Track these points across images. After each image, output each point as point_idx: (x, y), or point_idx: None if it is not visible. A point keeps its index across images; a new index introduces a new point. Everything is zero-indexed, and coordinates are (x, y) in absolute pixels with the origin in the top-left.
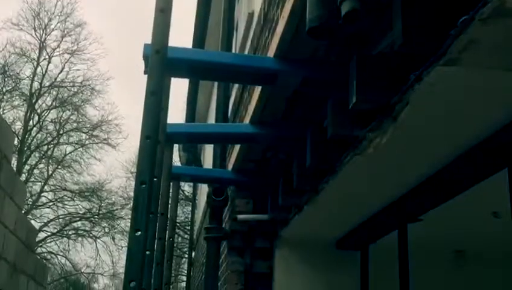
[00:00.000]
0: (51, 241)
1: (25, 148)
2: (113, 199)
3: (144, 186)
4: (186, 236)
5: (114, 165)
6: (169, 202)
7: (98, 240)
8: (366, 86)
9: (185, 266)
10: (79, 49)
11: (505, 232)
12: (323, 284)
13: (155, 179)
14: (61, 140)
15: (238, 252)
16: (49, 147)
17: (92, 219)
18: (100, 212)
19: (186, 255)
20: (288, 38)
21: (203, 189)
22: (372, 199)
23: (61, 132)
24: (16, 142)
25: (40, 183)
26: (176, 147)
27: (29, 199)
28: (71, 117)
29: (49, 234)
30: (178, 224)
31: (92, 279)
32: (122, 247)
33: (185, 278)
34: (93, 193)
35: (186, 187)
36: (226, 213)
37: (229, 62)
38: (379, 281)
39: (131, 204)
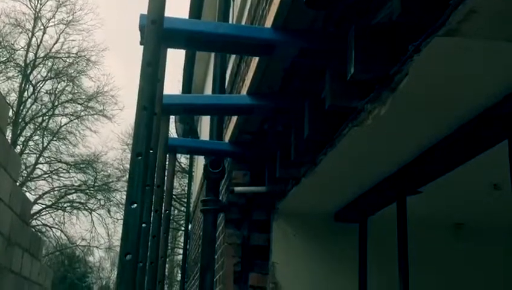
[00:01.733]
0: (46, 214)
1: (20, 120)
2: (109, 171)
3: (139, 158)
4: (182, 209)
5: (110, 137)
6: (166, 174)
7: (94, 213)
8: (365, 56)
9: (182, 239)
10: (74, 20)
11: (505, 205)
12: (321, 257)
13: (151, 151)
14: (56, 111)
15: (235, 224)
16: (44, 118)
17: (88, 191)
18: (96, 184)
19: (183, 228)
20: (286, 8)
21: (200, 161)
22: (371, 171)
23: (56, 104)
24: (10, 113)
25: (35, 155)
26: (172, 118)
27: (24, 171)
28: (66, 88)
29: (44, 206)
30: (174, 196)
31: (87, 252)
32: (117, 220)
33: (181, 251)
34: (88, 165)
35: (183, 159)
36: (223, 185)
37: (226, 33)
38: (378, 253)
39: (127, 176)
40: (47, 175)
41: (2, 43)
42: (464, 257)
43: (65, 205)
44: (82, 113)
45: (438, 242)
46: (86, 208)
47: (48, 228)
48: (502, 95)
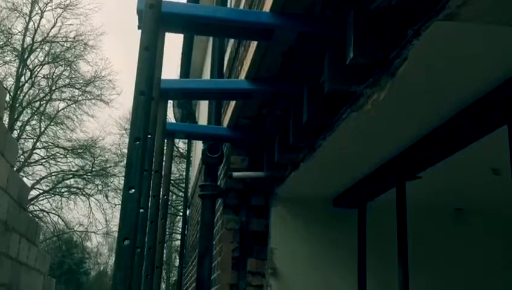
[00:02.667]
0: (43, 199)
1: (17, 105)
2: (107, 156)
3: (137, 143)
4: (180, 194)
5: (107, 122)
6: (164, 159)
7: (91, 198)
8: (364, 41)
9: (180, 224)
10: (72, 4)
11: (504, 190)
12: (320, 242)
13: (149, 136)
14: (53, 96)
15: (233, 210)
16: (42, 103)
17: (85, 176)
18: (93, 169)
19: (181, 213)
20: None
21: (198, 146)
22: (370, 156)
23: (53, 88)
24: (7, 98)
25: (32, 140)
26: (170, 103)
27: (21, 156)
28: (64, 73)
29: (41, 191)
30: (172, 181)
31: (84, 237)
32: (115, 205)
33: (179, 237)
34: (86, 150)
35: (181, 144)
36: (221, 170)
37: (224, 17)
38: (377, 239)
39: (125, 161)
40: (44, 160)
41: None
42: (463, 241)
43: (62, 190)
44: (79, 98)
45: (437, 227)
46: (84, 193)
47: (45, 213)
48: (502, 80)
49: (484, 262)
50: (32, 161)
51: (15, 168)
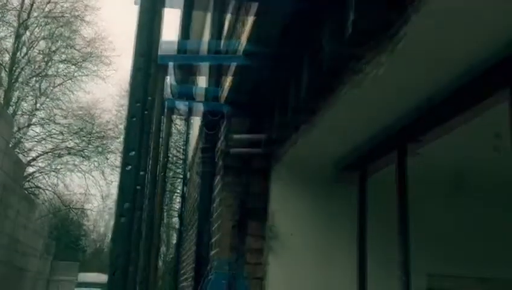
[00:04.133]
0: (39, 176)
1: (13, 81)
2: (103, 133)
3: (134, 119)
4: (178, 170)
5: (104, 98)
6: (161, 135)
7: (88, 175)
8: (365, 4)
9: (177, 200)
10: None
11: (505, 161)
12: (321, 205)
13: (146, 112)
14: (49, 72)
15: (234, 172)
16: (38, 79)
17: (82, 153)
18: (90, 146)
19: (178, 190)
20: None
21: (196, 122)
22: (370, 121)
23: (49, 64)
24: (3, 74)
25: (28, 116)
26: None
27: (17, 133)
28: (60, 49)
29: (37, 168)
30: (170, 158)
31: (81, 215)
32: (112, 182)
33: (176, 214)
34: (82, 126)
35: (179, 121)
36: (222, 132)
37: None
38: (377, 203)
39: (122, 138)
40: (40, 137)
41: None
42: (464, 213)
43: (59, 167)
44: (76, 74)
45: (438, 199)
46: (80, 170)
47: (41, 190)
48: (503, 46)
49: (484, 232)
50: (28, 137)
51: (10, 145)
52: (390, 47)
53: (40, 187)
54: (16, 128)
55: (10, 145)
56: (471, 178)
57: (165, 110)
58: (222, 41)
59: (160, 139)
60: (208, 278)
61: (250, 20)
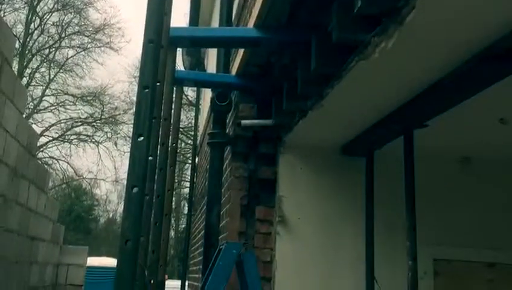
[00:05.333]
0: (52, 146)
1: (26, 52)
2: (116, 104)
3: (146, 90)
4: (189, 141)
5: (116, 70)
6: (173, 107)
7: (100, 145)
8: None
9: (188, 172)
10: None
11: (511, 138)
12: (328, 190)
13: (158, 84)
14: (63, 43)
15: (242, 157)
16: (51, 50)
17: (94, 123)
18: (102, 117)
19: (190, 161)
20: None
21: (207, 94)
22: (378, 105)
23: (63, 35)
24: (17, 45)
25: (41, 87)
26: (179, 51)
27: (31, 103)
28: (73, 20)
29: (50, 138)
30: (181, 129)
31: (94, 185)
32: (124, 152)
33: (188, 184)
34: (95, 97)
35: (190, 92)
36: (229, 118)
37: None
38: (384, 186)
39: (134, 109)
40: (54, 107)
41: None
42: (470, 189)
43: (72, 138)
44: (89, 46)
45: (444, 175)
46: (93, 140)
47: (54, 160)
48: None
49: (490, 210)
50: (41, 108)
51: (24, 115)
52: (399, 19)
53: (53, 157)
54: (29, 99)
55: (24, 116)
56: (478, 153)
57: (176, 81)
58: (230, 27)
59: (172, 111)
60: (219, 248)
61: (257, 5)
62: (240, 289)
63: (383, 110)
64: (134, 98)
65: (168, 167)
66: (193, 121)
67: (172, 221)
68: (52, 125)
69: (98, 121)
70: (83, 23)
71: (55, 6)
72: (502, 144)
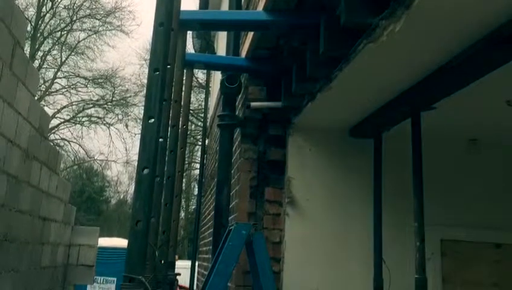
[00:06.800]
0: (64, 128)
1: (38, 35)
2: (127, 86)
3: (157, 73)
4: (199, 123)
5: (127, 52)
6: (183, 89)
7: (111, 127)
8: None
9: (198, 153)
10: None
11: None
12: (337, 171)
13: (168, 66)
14: (74, 26)
15: (251, 139)
16: (63, 33)
17: (105, 105)
18: (113, 99)
19: (200, 143)
20: None
21: (217, 76)
22: (386, 87)
23: (74, 18)
24: (28, 28)
25: (53, 69)
26: (189, 34)
27: (42, 86)
28: (84, 3)
29: (62, 120)
30: (191, 111)
31: (105, 166)
32: (135, 134)
33: (198, 166)
34: (106, 79)
35: (200, 74)
36: (239, 101)
37: None
38: (392, 168)
39: (145, 91)
40: (65, 90)
41: None
42: (477, 171)
43: (83, 120)
44: (100, 29)
45: (452, 157)
46: (104, 122)
47: (66, 142)
48: None
49: (497, 191)
50: (53, 90)
51: (36, 98)
52: (407, 2)
53: (65, 139)
54: (41, 82)
55: (36, 98)
56: (485, 136)
57: (186, 64)
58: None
59: (182, 93)
60: (229, 229)
61: None
62: (249, 269)
63: (391, 92)
64: (145, 81)
65: (179, 148)
66: (203, 103)
67: (183, 202)
68: (64, 107)
69: (109, 103)
70: (94, 7)
71: None
72: (509, 125)
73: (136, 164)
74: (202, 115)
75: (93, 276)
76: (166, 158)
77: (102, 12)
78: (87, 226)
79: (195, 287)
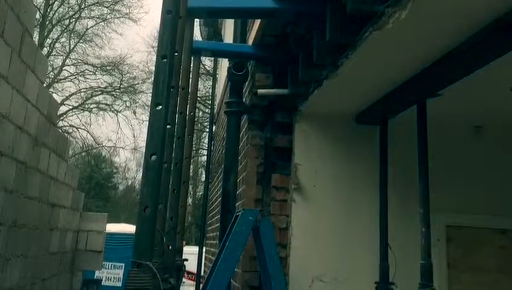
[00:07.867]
0: (72, 115)
1: (47, 22)
2: (135, 73)
3: (165, 60)
4: (207, 110)
5: (135, 40)
6: (190, 76)
7: (120, 114)
8: None
9: (206, 140)
10: None
11: None
12: (343, 158)
13: (176, 54)
14: (82, 14)
15: (258, 126)
16: (71, 21)
17: (114, 92)
18: (121, 86)
19: (207, 129)
20: None
21: (224, 63)
22: (392, 74)
23: (82, 6)
24: (37, 15)
25: (61, 57)
26: (196, 22)
27: (51, 73)
28: None
29: (70, 107)
30: (199, 98)
31: (113, 152)
32: (143, 121)
33: (205, 152)
34: (114, 67)
35: (207, 62)
36: (246, 88)
37: None
38: (398, 155)
39: (152, 78)
40: (73, 77)
41: None
42: (482, 157)
43: (91, 106)
44: (108, 16)
45: (457, 143)
46: (112, 109)
47: (74, 128)
48: None
49: (502, 177)
50: (61, 77)
51: (45, 85)
52: (410, 3)
53: (73, 126)
54: (50, 69)
55: (45, 85)
56: (490, 123)
57: (194, 51)
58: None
59: (190, 80)
60: (236, 215)
61: None
62: (256, 255)
63: (396, 79)
64: (153, 68)
65: (186, 135)
66: (210, 90)
67: (190, 188)
68: (72, 94)
69: (117, 90)
70: None
71: None
72: None
73: (143, 151)
74: (209, 102)
75: (101, 261)
76: (174, 145)
77: (110, 0)
78: (96, 212)
79: (202, 272)
